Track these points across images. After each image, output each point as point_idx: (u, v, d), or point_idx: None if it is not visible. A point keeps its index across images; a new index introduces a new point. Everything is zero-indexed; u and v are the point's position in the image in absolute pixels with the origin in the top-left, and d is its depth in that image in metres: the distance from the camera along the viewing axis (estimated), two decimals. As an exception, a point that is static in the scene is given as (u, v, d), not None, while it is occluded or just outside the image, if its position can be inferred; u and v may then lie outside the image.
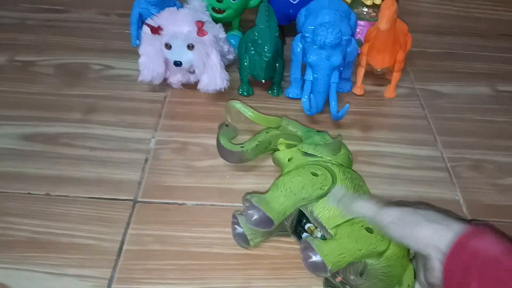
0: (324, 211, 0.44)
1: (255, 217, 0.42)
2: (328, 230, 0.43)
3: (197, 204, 0.54)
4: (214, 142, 0.62)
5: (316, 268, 0.39)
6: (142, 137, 0.63)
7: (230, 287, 0.47)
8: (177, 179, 0.57)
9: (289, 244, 0.51)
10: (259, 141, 0.52)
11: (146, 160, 0.59)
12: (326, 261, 0.39)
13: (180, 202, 0.54)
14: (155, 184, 0.56)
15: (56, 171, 0.57)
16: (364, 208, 0.42)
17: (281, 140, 0.53)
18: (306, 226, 0.47)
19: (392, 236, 0.40)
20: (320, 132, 0.53)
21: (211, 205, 0.54)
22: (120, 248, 0.49)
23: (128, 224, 0.52)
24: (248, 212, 0.43)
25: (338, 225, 0.43)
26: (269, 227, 0.43)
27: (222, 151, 0.53)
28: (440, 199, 0.57)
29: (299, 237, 0.48)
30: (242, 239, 0.49)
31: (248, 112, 0.54)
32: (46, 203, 0.53)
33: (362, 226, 0.42)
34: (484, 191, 0.59)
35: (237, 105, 0.54)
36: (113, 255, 0.48)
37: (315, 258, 0.39)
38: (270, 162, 0.60)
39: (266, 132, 0.54)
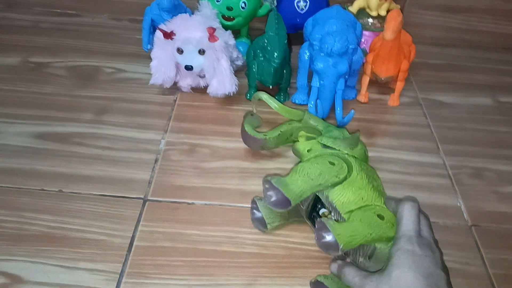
0: (339, 197, 0.46)
1: (274, 198, 0.44)
2: (342, 215, 0.45)
3: (205, 204, 0.56)
4: (222, 144, 0.64)
5: (329, 246, 0.41)
6: (152, 138, 0.64)
7: (237, 284, 0.48)
8: (186, 179, 0.59)
9: (295, 244, 0.52)
10: (281, 131, 0.56)
11: (156, 161, 0.61)
12: (339, 240, 0.41)
13: (189, 201, 0.56)
14: (164, 184, 0.58)
15: (69, 169, 0.59)
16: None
17: (302, 132, 0.56)
18: (321, 212, 0.49)
19: None
20: (339, 127, 0.56)
21: (220, 205, 0.56)
22: (131, 244, 0.51)
23: (138, 221, 0.53)
24: (267, 193, 0.45)
25: (351, 210, 0.45)
26: (285, 207, 0.45)
27: (246, 138, 0.57)
28: (442, 205, 0.59)
29: (313, 222, 0.51)
30: (260, 223, 0.52)
31: (274, 104, 0.56)
32: (59, 199, 0.55)
33: (374, 213, 0.44)
34: (484, 198, 0.61)
35: (264, 95, 0.57)
36: (123, 250, 0.50)
37: (329, 237, 0.41)
38: (276, 164, 0.62)
39: (289, 124, 0.57)
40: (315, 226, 0.49)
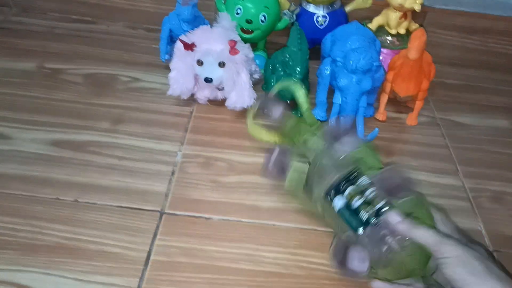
0: None
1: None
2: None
3: (223, 219, 0.55)
4: (239, 158, 0.63)
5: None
6: (169, 150, 0.63)
7: (255, 304, 0.47)
8: (204, 193, 0.58)
9: (315, 264, 0.51)
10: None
11: (173, 173, 0.60)
12: None
13: (207, 216, 0.55)
14: (182, 197, 0.57)
15: (84, 178, 0.58)
16: (425, 235, 0.41)
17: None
18: (346, 192, 0.44)
19: (444, 271, 0.40)
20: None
21: (237, 221, 0.55)
22: (148, 258, 0.49)
23: (155, 235, 0.52)
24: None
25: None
26: None
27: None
28: (462, 229, 0.57)
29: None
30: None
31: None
32: (74, 209, 0.54)
33: None
34: (506, 223, 0.60)
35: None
36: (140, 264, 0.49)
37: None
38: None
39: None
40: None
